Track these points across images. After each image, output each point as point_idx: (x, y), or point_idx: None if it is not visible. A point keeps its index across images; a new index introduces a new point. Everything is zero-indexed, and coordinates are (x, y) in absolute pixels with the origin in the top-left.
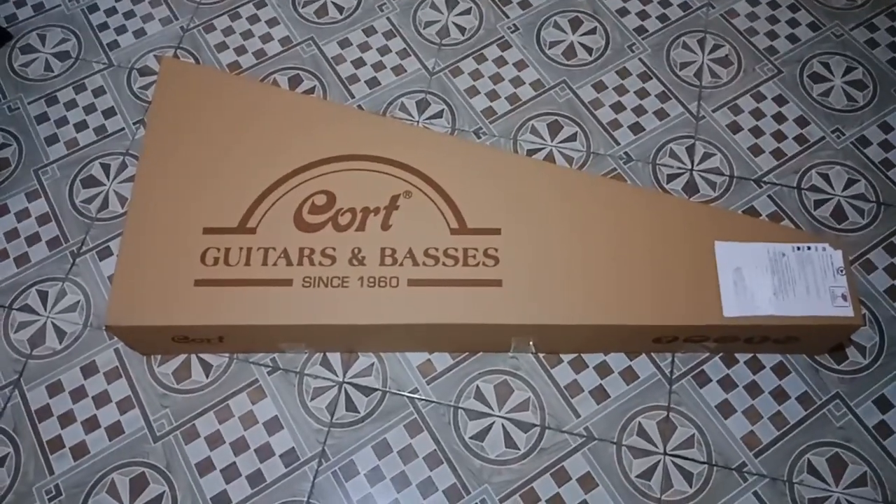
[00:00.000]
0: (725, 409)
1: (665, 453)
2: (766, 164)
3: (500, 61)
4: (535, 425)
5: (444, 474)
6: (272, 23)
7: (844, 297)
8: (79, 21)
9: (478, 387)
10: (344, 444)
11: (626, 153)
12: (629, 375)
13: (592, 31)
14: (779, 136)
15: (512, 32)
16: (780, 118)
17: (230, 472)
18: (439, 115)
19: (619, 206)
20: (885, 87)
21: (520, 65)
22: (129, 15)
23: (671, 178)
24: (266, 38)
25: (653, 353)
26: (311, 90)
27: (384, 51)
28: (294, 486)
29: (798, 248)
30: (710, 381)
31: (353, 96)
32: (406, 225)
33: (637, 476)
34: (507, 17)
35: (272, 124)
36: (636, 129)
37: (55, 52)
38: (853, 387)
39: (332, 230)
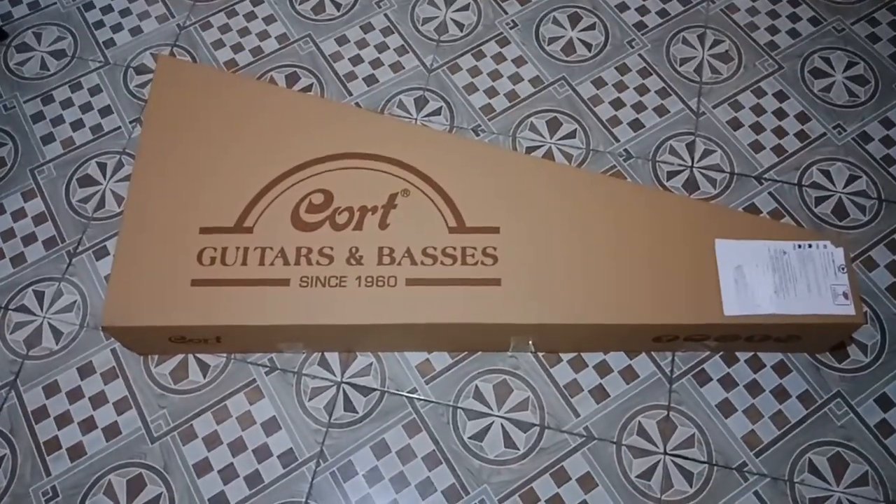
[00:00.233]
0: (726, 408)
1: (665, 453)
2: (766, 160)
3: (499, 58)
4: (534, 425)
5: (442, 474)
6: (269, 20)
7: (846, 296)
8: (74, 19)
9: (477, 386)
10: (342, 445)
11: (625, 150)
12: (629, 374)
13: (591, 27)
14: (779, 132)
15: (510, 29)
16: (780, 114)
17: (228, 473)
18: (437, 112)
19: (618, 205)
20: (886, 83)
21: (518, 61)
22: (125, 13)
23: (671, 175)
24: (263, 36)
25: (653, 352)
26: (309, 88)
27: (382, 48)
28: (292, 487)
29: (799, 246)
30: (711, 379)
31: (350, 94)
32: (404, 224)
33: (637, 476)
34: (506, 13)
35: (269, 123)
36: (636, 125)
37: (51, 51)
38: (854, 385)
39: (329, 229)
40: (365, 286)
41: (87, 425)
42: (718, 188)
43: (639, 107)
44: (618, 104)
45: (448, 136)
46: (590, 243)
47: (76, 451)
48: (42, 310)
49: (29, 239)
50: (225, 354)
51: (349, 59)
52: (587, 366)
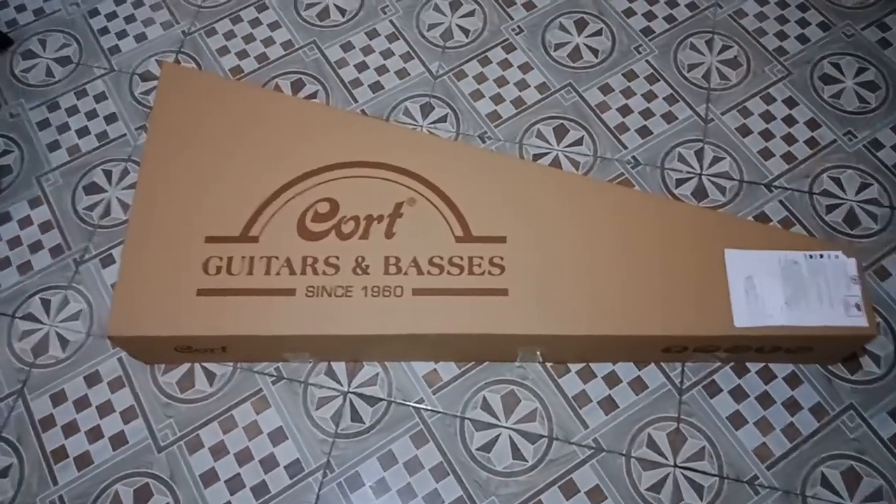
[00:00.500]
0: (737, 420)
1: (675, 465)
2: (776, 168)
3: (505, 64)
4: (542, 436)
5: (450, 486)
6: (274, 26)
7: (858, 307)
8: (79, 26)
9: (484, 397)
10: (349, 455)
11: (633, 157)
12: (638, 385)
13: (598, 33)
14: (789, 139)
15: (516, 34)
16: (790, 121)
17: (234, 484)
18: (443, 119)
19: (627, 214)
20: None
21: (524, 67)
22: (130, 19)
23: (680, 182)
24: (268, 42)
25: (662, 363)
26: (314, 95)
27: (387, 54)
28: (299, 498)
29: (810, 256)
30: (721, 391)
31: (356, 101)
32: (410, 233)
33: (647, 489)
34: (512, 18)
35: (274, 131)
36: (644, 132)
37: (56, 58)
38: (867, 397)
39: (335, 238)
40: (371, 296)
41: (94, 434)
42: (728, 196)
43: (647, 113)
44: (625, 111)
45: (454, 144)
46: (598, 253)
47: (83, 461)
48: (49, 318)
49: (35, 247)
50: (231, 363)
51: (354, 65)
52: (596, 376)
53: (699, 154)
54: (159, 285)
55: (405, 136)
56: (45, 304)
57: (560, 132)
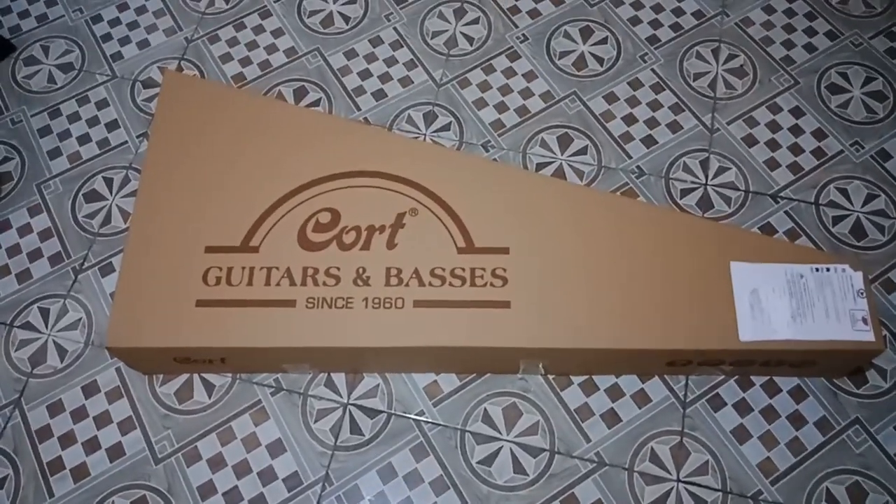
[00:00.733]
0: (741, 434)
1: (678, 480)
2: (782, 178)
3: (509, 72)
4: (544, 450)
5: (450, 500)
6: (277, 33)
7: (865, 321)
8: (82, 32)
9: (485, 409)
10: (348, 468)
11: (638, 167)
12: (641, 398)
13: (603, 41)
14: (796, 149)
15: (521, 42)
16: (796, 131)
17: (232, 496)
18: (447, 127)
19: (631, 225)
20: None
21: (529, 76)
22: (132, 26)
23: (685, 192)
24: (271, 49)
25: (666, 376)
26: (317, 102)
27: (391, 62)
28: None
29: (817, 270)
30: (725, 404)
31: (359, 108)
32: (412, 244)
33: (650, 503)
34: (516, 26)
35: (276, 140)
36: (648, 142)
37: (58, 64)
38: (874, 412)
39: (336, 249)
40: (372, 308)
41: (91, 445)
42: (733, 206)
43: (651, 123)
44: (630, 120)
45: (457, 154)
46: (602, 265)
47: (80, 472)
48: (47, 327)
49: (35, 255)
50: (230, 374)
51: (358, 73)
52: (598, 389)
53: (704, 164)
54: (158, 296)
55: (407, 145)
56: (44, 312)
57: (564, 141)
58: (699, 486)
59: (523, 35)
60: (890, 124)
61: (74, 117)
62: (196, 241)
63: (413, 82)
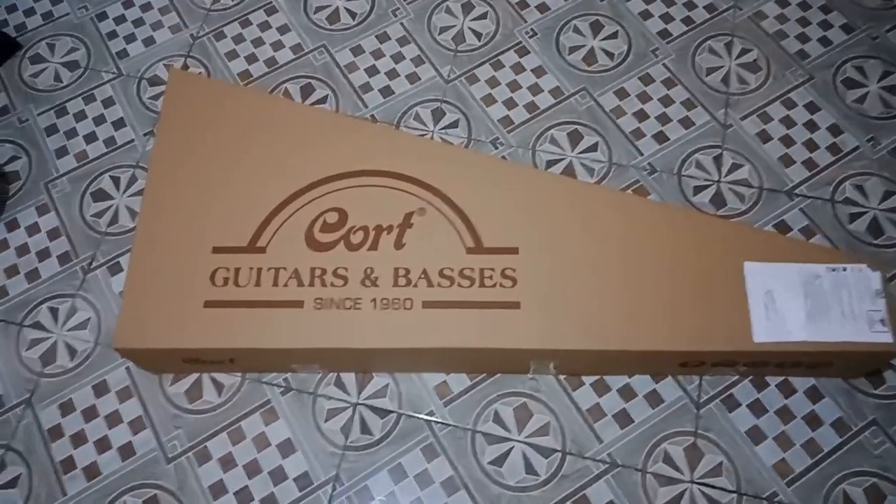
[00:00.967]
0: (755, 435)
1: (692, 481)
2: (797, 175)
3: (518, 68)
4: (555, 451)
5: (461, 501)
6: (283, 29)
7: (883, 322)
8: (88, 30)
9: (496, 410)
10: (359, 469)
11: (649, 164)
12: (654, 399)
13: (614, 36)
14: (811, 145)
15: (530, 37)
16: (811, 126)
17: (243, 496)
18: (455, 124)
19: (643, 225)
20: None
21: (538, 71)
22: (138, 23)
23: (697, 190)
24: (277, 46)
25: (679, 376)
26: (324, 99)
27: (398, 58)
28: None
29: (833, 269)
30: (740, 405)
31: (366, 105)
32: (420, 244)
33: None
34: (525, 21)
35: (283, 139)
36: (660, 138)
37: (64, 62)
38: (891, 413)
39: (344, 249)
40: (380, 308)
41: (103, 445)
42: (747, 204)
43: (663, 119)
44: (641, 116)
45: (466, 153)
46: (613, 265)
47: (91, 472)
48: (57, 326)
49: (43, 254)
50: (240, 374)
51: (364, 69)
52: (610, 389)
53: (717, 161)
54: (166, 297)
55: (415, 143)
56: (53, 312)
57: (574, 138)
58: (713, 487)
59: (532, 30)
60: None
61: (81, 116)
62: (203, 242)
63: (420, 79)
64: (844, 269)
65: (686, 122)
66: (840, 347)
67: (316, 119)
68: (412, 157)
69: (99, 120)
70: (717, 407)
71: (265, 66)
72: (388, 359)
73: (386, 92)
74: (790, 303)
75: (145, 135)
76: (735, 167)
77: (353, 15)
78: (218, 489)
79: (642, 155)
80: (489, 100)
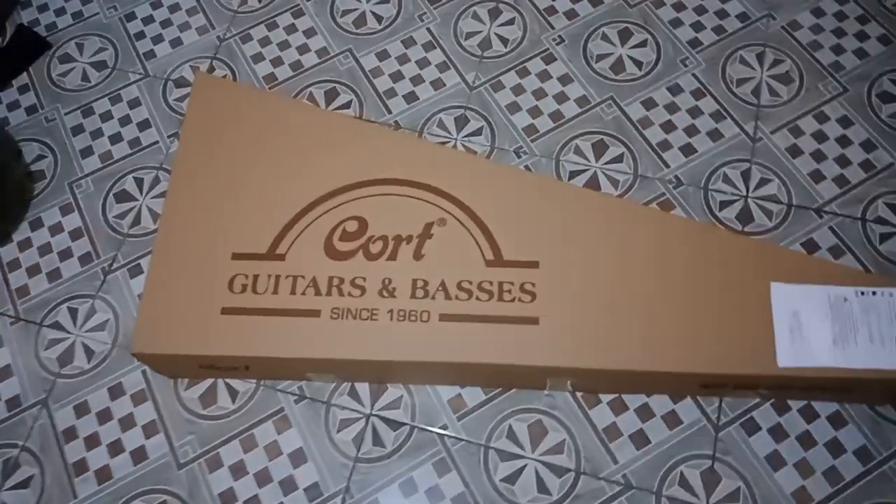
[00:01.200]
0: (775, 460)
1: None
2: (827, 192)
3: (544, 75)
4: (569, 470)
5: None
6: (309, 33)
7: None
8: (116, 30)
9: (510, 425)
10: (370, 481)
11: (675, 177)
12: (672, 420)
13: (643, 44)
14: (843, 161)
15: (557, 44)
16: (844, 141)
17: None
18: (478, 132)
19: (667, 241)
20: None
21: (564, 79)
22: (166, 23)
23: (724, 205)
24: (303, 49)
25: (699, 397)
26: (348, 104)
27: (423, 63)
28: None
29: (862, 293)
30: (760, 429)
31: (389, 111)
32: (439, 255)
33: None
34: (552, 27)
35: (305, 145)
36: (687, 150)
37: (92, 62)
38: None
39: (362, 258)
40: (397, 320)
41: (115, 448)
42: (774, 220)
43: (691, 130)
44: (669, 127)
45: (488, 163)
46: (635, 283)
47: (103, 475)
48: (75, 327)
49: (65, 254)
50: (254, 381)
51: (389, 74)
52: (628, 408)
53: (746, 175)
54: (184, 302)
55: (437, 152)
56: (73, 312)
57: (599, 148)
58: None
59: (559, 37)
60: None
61: (107, 116)
62: (223, 248)
63: (445, 85)
64: (874, 293)
65: (714, 135)
66: (867, 374)
67: (339, 125)
68: (434, 166)
69: (124, 121)
70: (736, 431)
71: (290, 70)
72: (403, 371)
73: (410, 98)
74: (817, 326)
75: (170, 137)
76: (763, 182)
77: (379, 19)
78: (228, 497)
79: (668, 167)
80: (514, 108)
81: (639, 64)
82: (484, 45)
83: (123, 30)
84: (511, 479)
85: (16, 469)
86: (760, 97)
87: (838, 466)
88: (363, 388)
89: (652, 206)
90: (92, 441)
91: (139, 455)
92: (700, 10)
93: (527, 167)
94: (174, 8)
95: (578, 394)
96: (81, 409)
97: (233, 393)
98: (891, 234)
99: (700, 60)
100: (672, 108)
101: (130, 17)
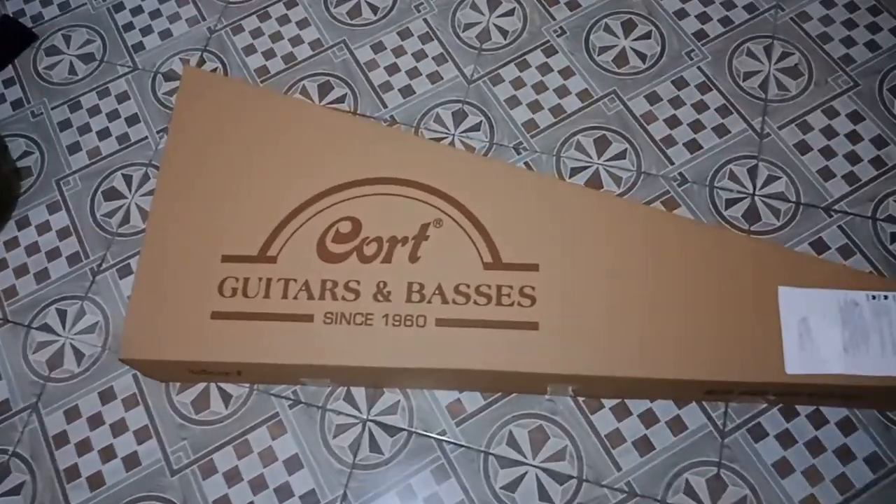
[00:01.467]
0: (783, 467)
1: None
2: (837, 189)
3: (545, 68)
4: (571, 477)
5: None
6: (303, 24)
7: None
8: (104, 21)
9: (511, 431)
10: (367, 488)
11: (680, 174)
12: (677, 426)
13: (647, 36)
14: (853, 158)
15: (558, 36)
16: (854, 138)
17: None
18: (476, 127)
19: (672, 244)
20: None
21: (566, 72)
22: (155, 14)
23: (730, 203)
24: (296, 41)
25: (704, 402)
26: (342, 98)
27: (419, 56)
28: None
29: (873, 297)
30: (767, 435)
31: (385, 106)
32: (436, 257)
33: None
34: (554, 18)
35: (297, 143)
36: (693, 146)
37: (79, 55)
38: None
39: (356, 261)
40: (392, 325)
41: (107, 454)
42: (782, 219)
43: (696, 126)
44: (673, 122)
45: (486, 161)
46: (638, 287)
47: (96, 481)
48: (65, 329)
49: (53, 254)
50: (248, 385)
51: (385, 67)
52: (631, 414)
53: (752, 172)
54: (173, 306)
55: (434, 150)
56: (62, 314)
57: (601, 144)
58: None
59: (561, 28)
60: None
61: (95, 111)
62: (213, 250)
63: (442, 78)
64: (886, 297)
65: (720, 130)
66: (878, 382)
67: (332, 122)
68: (430, 165)
69: (113, 115)
70: (742, 437)
71: (283, 63)
72: (400, 376)
73: (406, 92)
74: (826, 332)
75: (159, 132)
76: (771, 179)
77: (374, 9)
78: None
79: (673, 164)
80: (513, 102)
81: (643, 56)
82: (483, 37)
83: (111, 21)
84: (511, 486)
85: (6, 475)
86: (768, 91)
87: (848, 474)
88: (359, 393)
89: (656, 204)
90: (83, 446)
91: (131, 461)
92: (706, 0)
93: (527, 164)
94: None
95: (580, 399)
96: (72, 414)
97: (226, 397)
98: None
99: (706, 53)
100: (677, 102)
101: (119, 7)
